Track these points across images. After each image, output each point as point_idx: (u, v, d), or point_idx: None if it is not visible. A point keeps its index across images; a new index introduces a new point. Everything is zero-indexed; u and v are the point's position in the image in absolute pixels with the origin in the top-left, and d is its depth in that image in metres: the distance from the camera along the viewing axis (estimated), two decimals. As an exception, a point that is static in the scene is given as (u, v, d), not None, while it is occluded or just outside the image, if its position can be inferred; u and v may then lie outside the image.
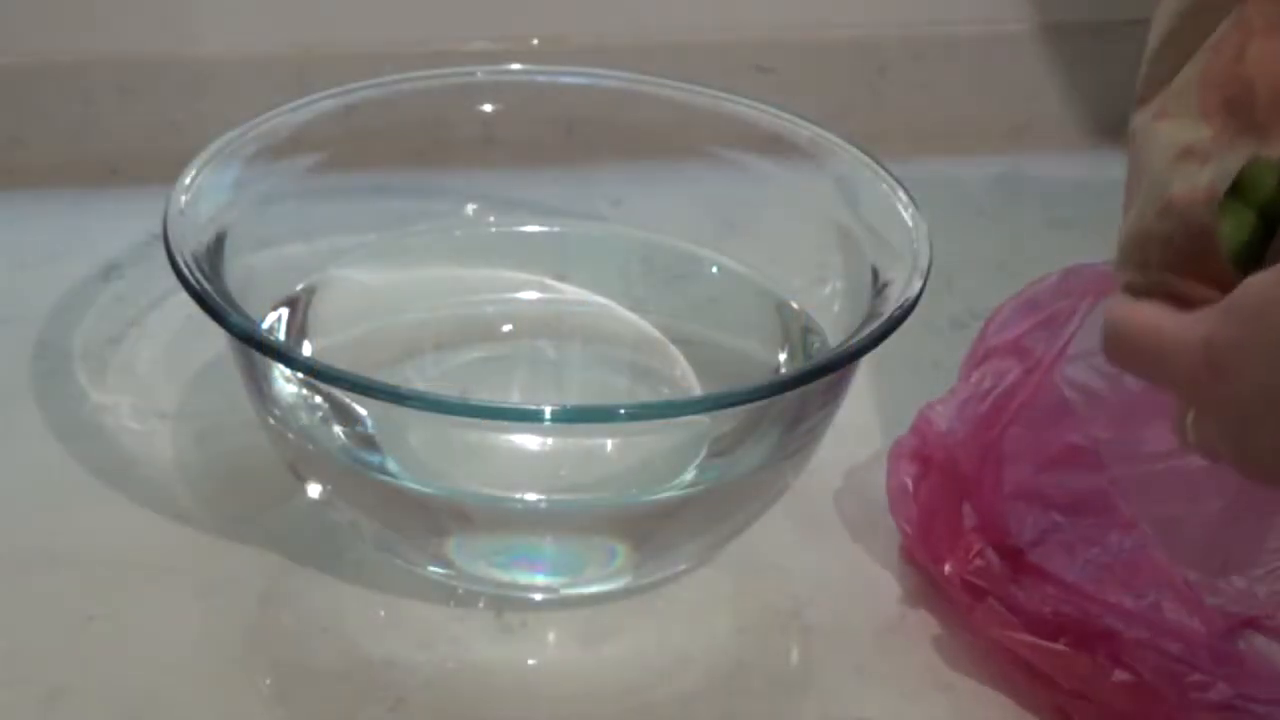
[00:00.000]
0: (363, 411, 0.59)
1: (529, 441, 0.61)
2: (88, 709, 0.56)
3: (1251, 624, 0.59)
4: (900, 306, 0.59)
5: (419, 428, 0.60)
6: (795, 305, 0.66)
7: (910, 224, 0.62)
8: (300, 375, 0.57)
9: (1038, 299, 0.66)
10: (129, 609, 0.59)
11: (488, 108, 0.69)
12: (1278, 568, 0.62)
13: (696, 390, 0.65)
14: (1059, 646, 0.56)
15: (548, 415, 0.56)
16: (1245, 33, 0.50)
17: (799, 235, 0.67)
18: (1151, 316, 0.48)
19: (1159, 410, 0.65)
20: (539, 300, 0.68)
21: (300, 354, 0.57)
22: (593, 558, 0.60)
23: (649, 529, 0.59)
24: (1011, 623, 0.57)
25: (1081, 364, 0.66)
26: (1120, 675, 0.55)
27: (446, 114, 0.68)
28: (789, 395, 0.57)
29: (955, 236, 0.77)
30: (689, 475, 0.60)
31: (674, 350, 0.67)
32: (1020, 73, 0.86)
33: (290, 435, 0.59)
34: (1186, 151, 0.50)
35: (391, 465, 0.59)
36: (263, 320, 0.62)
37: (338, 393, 0.57)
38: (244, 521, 0.62)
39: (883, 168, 0.64)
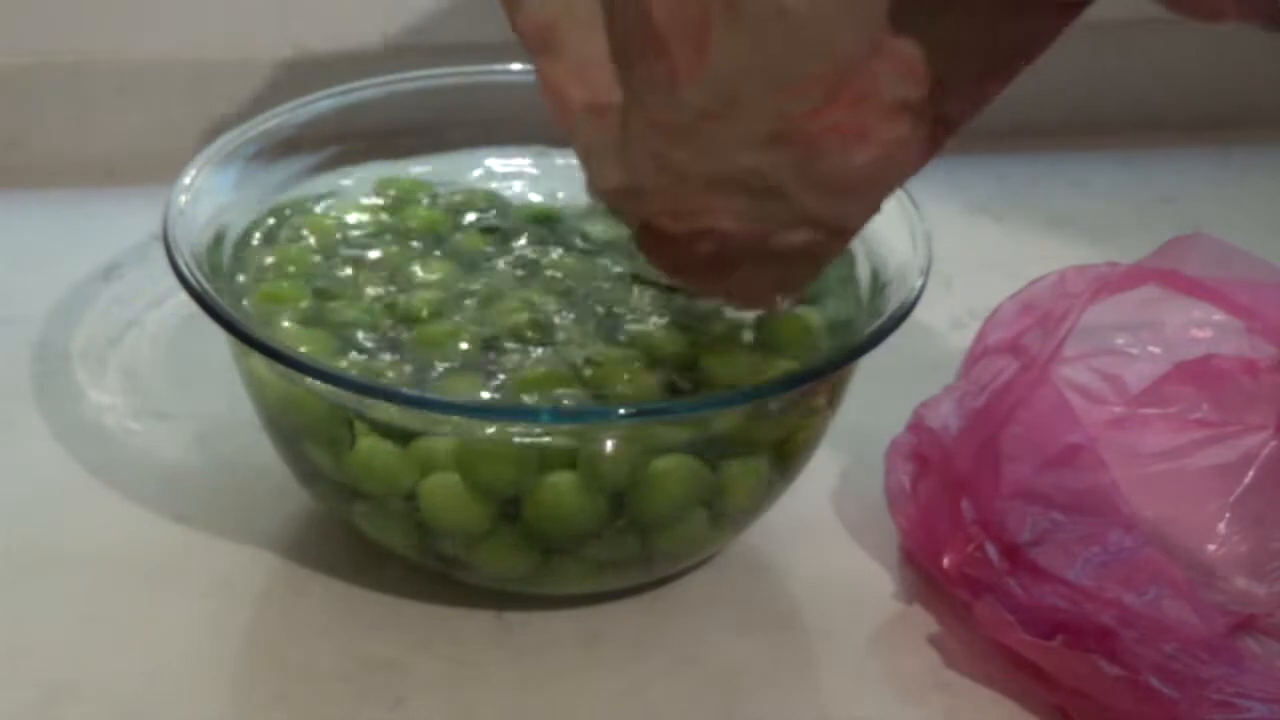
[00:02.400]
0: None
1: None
2: (88, 709, 0.56)
3: (1251, 623, 0.59)
4: (900, 306, 0.59)
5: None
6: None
7: (910, 224, 0.62)
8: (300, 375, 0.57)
9: (1036, 299, 0.66)
10: (129, 609, 0.59)
11: (488, 108, 0.69)
12: (1278, 567, 0.62)
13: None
14: (1056, 644, 0.56)
15: (546, 415, 0.56)
16: None
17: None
18: None
19: (1159, 410, 0.66)
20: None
21: (300, 354, 0.57)
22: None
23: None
24: (1009, 621, 0.57)
25: (1081, 364, 0.66)
26: (1118, 673, 0.55)
27: (446, 114, 0.68)
28: (788, 395, 0.57)
29: (955, 236, 0.77)
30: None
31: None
32: (1020, 73, 0.86)
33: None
34: None
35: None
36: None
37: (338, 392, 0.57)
38: (244, 521, 0.62)
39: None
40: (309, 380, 0.56)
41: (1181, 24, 0.49)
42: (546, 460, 0.56)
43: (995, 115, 0.86)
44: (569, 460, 0.56)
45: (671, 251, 0.55)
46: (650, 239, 0.55)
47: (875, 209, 0.55)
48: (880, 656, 0.60)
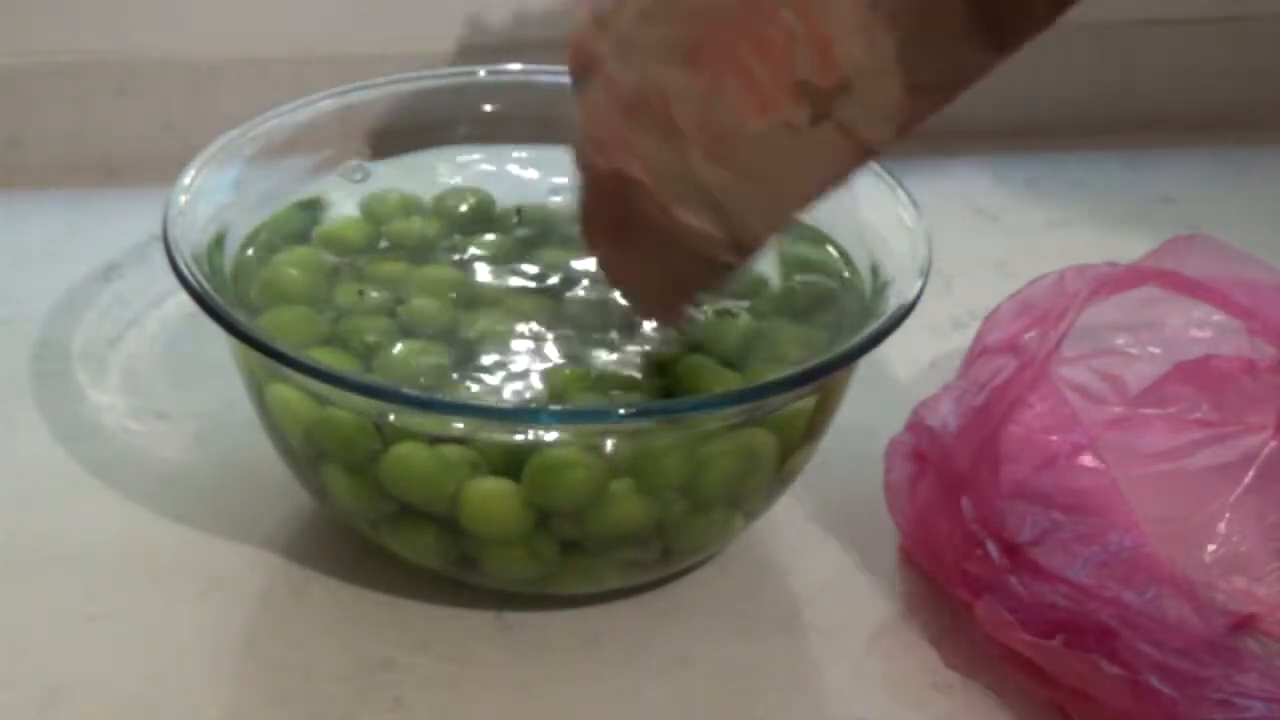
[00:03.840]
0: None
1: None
2: (88, 709, 0.56)
3: (1251, 623, 0.59)
4: (900, 306, 0.59)
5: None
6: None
7: (910, 224, 0.62)
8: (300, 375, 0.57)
9: (1035, 299, 0.66)
10: (129, 609, 0.59)
11: (488, 108, 0.69)
12: (1278, 568, 0.62)
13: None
14: (1056, 644, 0.56)
15: (546, 415, 0.56)
16: None
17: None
18: None
19: (1159, 410, 0.66)
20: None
21: (300, 354, 0.57)
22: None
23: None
24: (1009, 620, 0.57)
25: (1080, 364, 0.66)
26: (1118, 673, 0.55)
27: (446, 114, 0.68)
28: (788, 395, 0.57)
29: (955, 236, 0.78)
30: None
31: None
32: (1019, 73, 0.86)
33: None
34: None
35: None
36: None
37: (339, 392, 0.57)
38: (244, 521, 0.62)
39: (883, 168, 0.64)
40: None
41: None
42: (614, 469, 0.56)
43: (995, 115, 0.87)
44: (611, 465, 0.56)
45: (593, 199, 0.55)
46: (584, 179, 0.55)
47: (772, 220, 0.54)
48: (880, 656, 0.60)
